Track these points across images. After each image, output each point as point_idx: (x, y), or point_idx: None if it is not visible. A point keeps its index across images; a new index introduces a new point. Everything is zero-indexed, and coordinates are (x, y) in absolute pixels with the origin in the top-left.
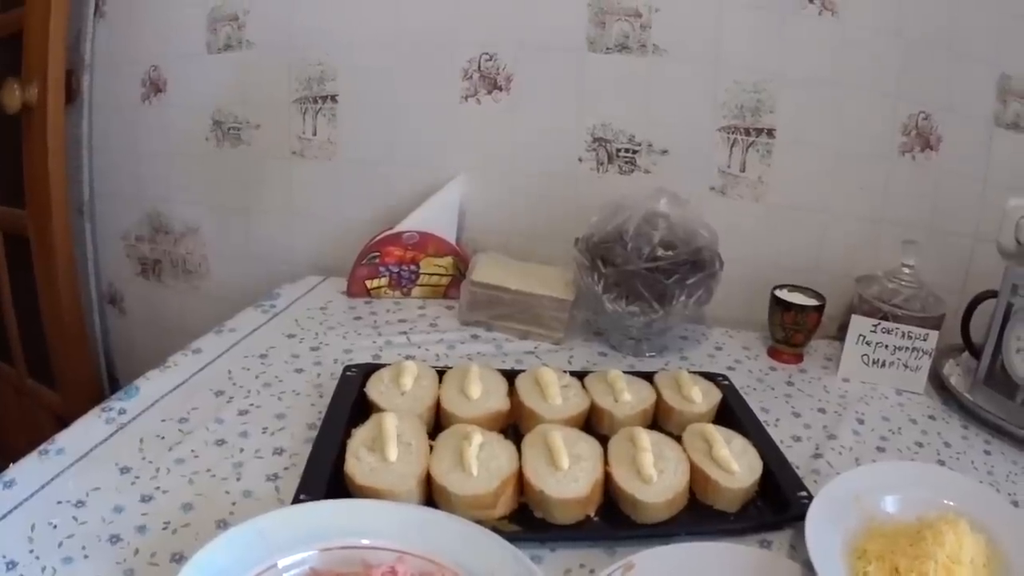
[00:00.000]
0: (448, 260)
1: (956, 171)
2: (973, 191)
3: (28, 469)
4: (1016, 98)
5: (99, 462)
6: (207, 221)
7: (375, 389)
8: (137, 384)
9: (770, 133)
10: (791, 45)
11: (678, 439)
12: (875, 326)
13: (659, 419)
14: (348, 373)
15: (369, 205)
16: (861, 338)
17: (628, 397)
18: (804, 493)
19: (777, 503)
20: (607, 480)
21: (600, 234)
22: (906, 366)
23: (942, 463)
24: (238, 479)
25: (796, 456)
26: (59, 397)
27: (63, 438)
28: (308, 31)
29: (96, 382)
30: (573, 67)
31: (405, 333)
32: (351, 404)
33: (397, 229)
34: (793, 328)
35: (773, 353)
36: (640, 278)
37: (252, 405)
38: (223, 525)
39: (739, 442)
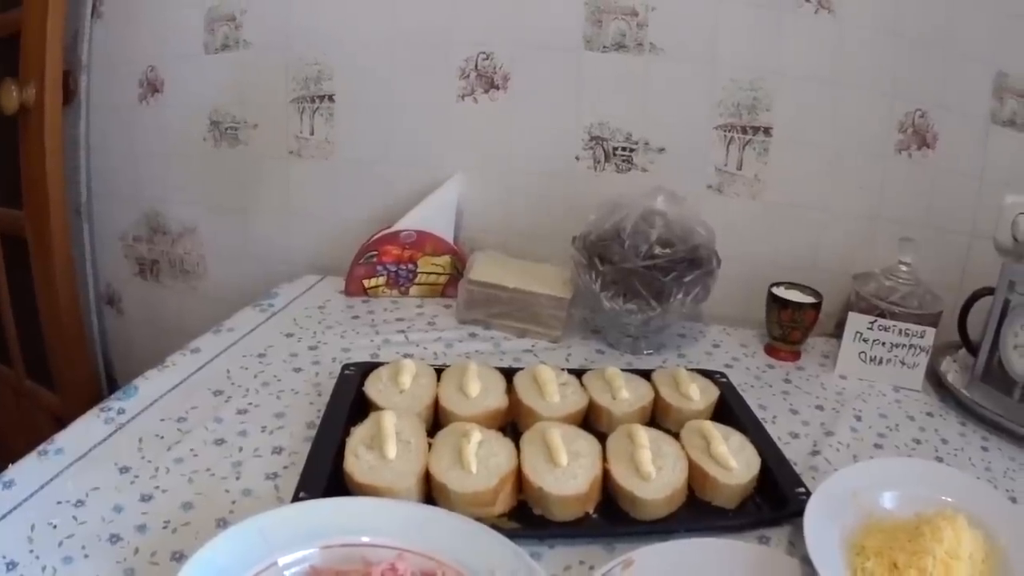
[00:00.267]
0: (446, 259)
1: (953, 169)
2: (970, 188)
3: (27, 469)
4: (1012, 96)
5: (98, 462)
6: (205, 221)
7: (374, 387)
8: (136, 384)
9: (767, 131)
10: (788, 43)
11: (676, 436)
12: (872, 323)
13: (657, 416)
14: (346, 372)
15: (366, 204)
16: (858, 335)
17: (626, 394)
18: (802, 489)
19: (775, 500)
20: (606, 477)
21: (597, 232)
22: (903, 363)
23: (940, 460)
24: (237, 478)
25: (794, 453)
26: (58, 398)
27: (62, 438)
28: (305, 31)
29: (94, 383)
30: (570, 66)
31: (403, 332)
32: (350, 403)
33: (395, 228)
34: (790, 325)
35: (770, 350)
36: (638, 276)
37: (251, 404)
38: (223, 524)
39: (737, 439)
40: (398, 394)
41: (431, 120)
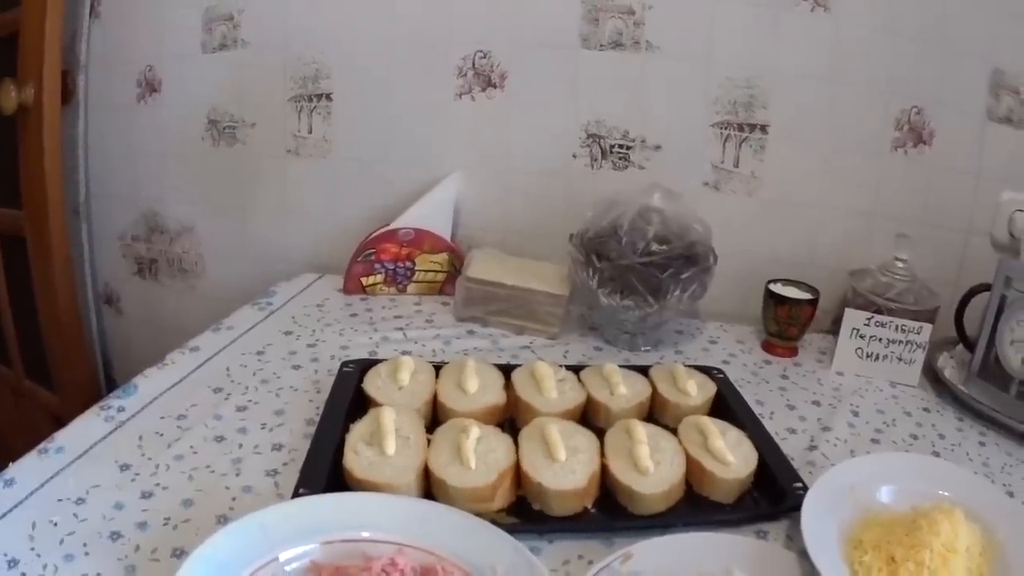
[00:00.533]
0: (443, 257)
1: (949, 165)
2: (966, 185)
3: (28, 468)
4: (1009, 92)
5: (99, 460)
6: (203, 220)
7: (372, 384)
8: (135, 382)
9: (763, 129)
10: (784, 41)
11: (674, 432)
12: (869, 319)
13: (655, 412)
14: (345, 369)
15: (364, 203)
16: (855, 331)
17: (624, 390)
18: (800, 484)
19: (773, 494)
20: (604, 472)
21: (595, 229)
22: (900, 359)
23: (937, 455)
24: (237, 475)
25: (791, 448)
26: (57, 398)
27: (62, 436)
28: (303, 30)
29: (94, 382)
30: (567, 64)
31: (401, 329)
32: (349, 399)
33: (392, 226)
34: (787, 322)
35: (767, 347)
36: (635, 272)
37: (250, 402)
38: (223, 520)
39: (734, 434)
40: (397, 391)
41: (429, 119)
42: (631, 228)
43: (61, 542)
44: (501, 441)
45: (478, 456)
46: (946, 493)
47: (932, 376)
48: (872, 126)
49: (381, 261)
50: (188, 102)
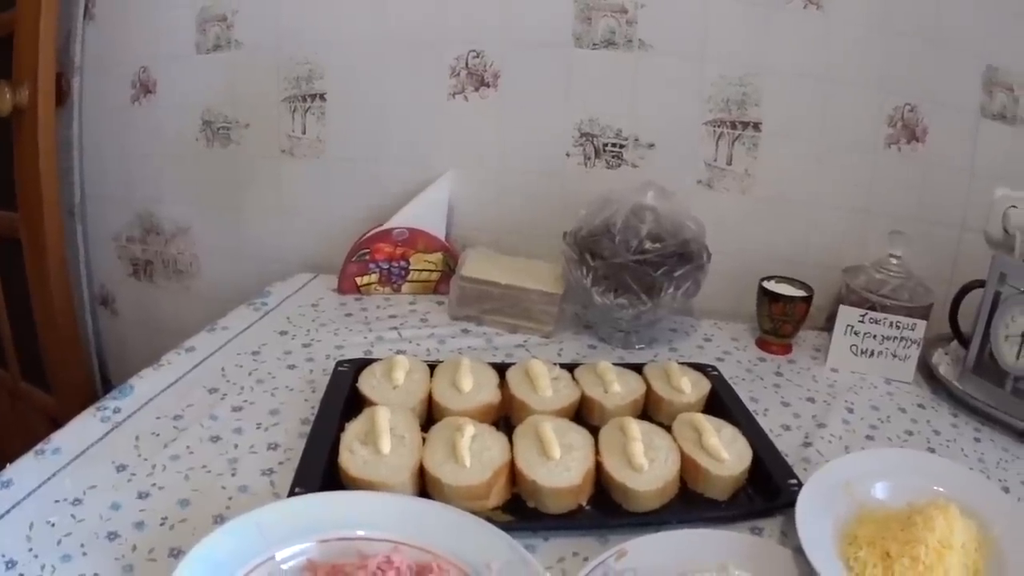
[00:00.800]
0: (438, 256)
1: (943, 162)
2: (960, 182)
3: (25, 469)
4: (1002, 89)
5: (95, 460)
6: (198, 221)
7: (367, 383)
8: (131, 383)
9: (756, 126)
10: (777, 39)
11: (668, 429)
12: (863, 316)
13: (649, 410)
14: (340, 368)
15: (358, 202)
16: (849, 328)
17: (618, 388)
18: (794, 481)
19: (768, 491)
20: (598, 470)
21: (588, 228)
22: (895, 355)
23: (932, 451)
24: (233, 474)
25: (786, 445)
26: (53, 399)
27: (59, 438)
28: (296, 30)
29: (89, 384)
30: (560, 63)
31: (396, 328)
32: (344, 399)
33: (387, 226)
34: (781, 319)
35: (762, 344)
36: (628, 271)
37: (246, 401)
38: (220, 520)
39: (729, 431)
40: (392, 390)
41: (422, 118)
42: (624, 226)
43: (59, 543)
44: (496, 439)
45: (473, 454)
46: (941, 489)
47: (927, 372)
48: (865, 123)
49: (376, 261)
50: (182, 103)
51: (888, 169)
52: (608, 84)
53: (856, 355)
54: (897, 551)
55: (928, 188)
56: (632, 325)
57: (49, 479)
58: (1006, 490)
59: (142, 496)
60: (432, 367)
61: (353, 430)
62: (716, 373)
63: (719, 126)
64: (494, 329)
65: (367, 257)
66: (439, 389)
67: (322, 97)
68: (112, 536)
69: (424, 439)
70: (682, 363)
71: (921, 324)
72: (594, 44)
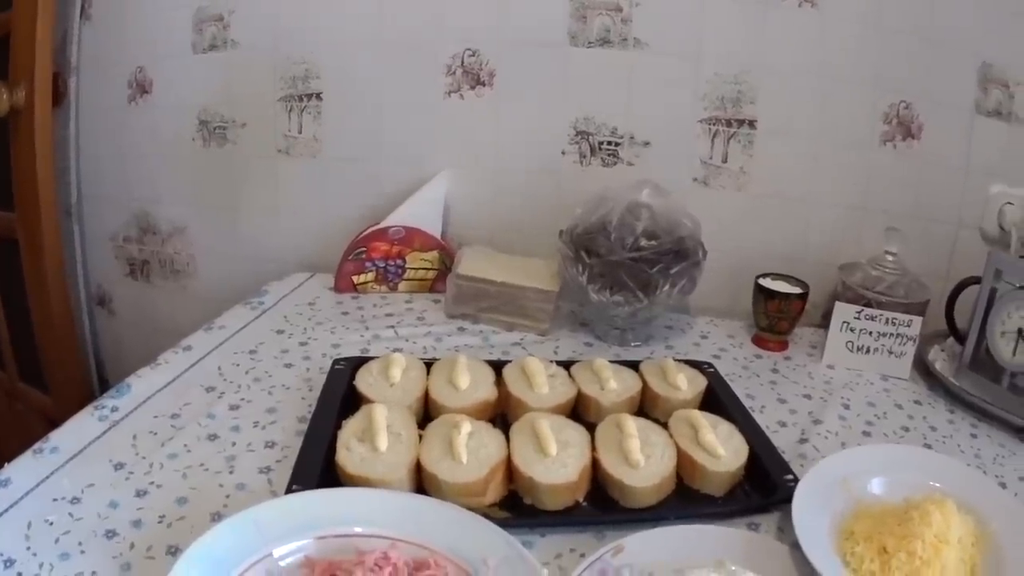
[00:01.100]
0: (434, 254)
1: (938, 159)
2: (955, 179)
3: (23, 468)
4: (997, 86)
5: (93, 459)
6: (194, 221)
7: (364, 381)
8: (129, 382)
9: (751, 124)
10: (772, 37)
11: (664, 426)
12: (859, 313)
13: (645, 407)
14: (337, 366)
15: (355, 201)
16: (845, 325)
17: (614, 385)
18: (791, 476)
19: (764, 487)
20: (595, 466)
21: (584, 225)
22: (891, 352)
23: (929, 447)
24: (231, 472)
25: (782, 441)
26: (50, 399)
27: (57, 436)
28: (292, 30)
29: (87, 384)
30: (555, 61)
31: (392, 327)
32: (341, 397)
33: (383, 224)
34: (777, 316)
35: (758, 341)
36: (624, 268)
37: (243, 400)
38: (217, 518)
39: (725, 427)
40: (388, 387)
41: (418, 117)
42: (620, 224)
43: (57, 541)
44: (492, 436)
45: (470, 451)
46: (938, 484)
47: (923, 369)
48: (861, 121)
49: (372, 259)
50: (179, 103)
51: (884, 166)
52: (603, 82)
53: (852, 352)
54: (894, 546)
55: (924, 185)
56: (628, 322)
57: (47, 478)
58: (1003, 486)
59: (140, 494)
60: (429, 365)
61: (350, 428)
62: (712, 370)
63: (714, 124)
64: (490, 327)
65: (363, 256)
66: (436, 387)
67: (318, 96)
68: (110, 534)
69: (421, 436)
70: (678, 360)
71: (917, 320)
72: (589, 42)
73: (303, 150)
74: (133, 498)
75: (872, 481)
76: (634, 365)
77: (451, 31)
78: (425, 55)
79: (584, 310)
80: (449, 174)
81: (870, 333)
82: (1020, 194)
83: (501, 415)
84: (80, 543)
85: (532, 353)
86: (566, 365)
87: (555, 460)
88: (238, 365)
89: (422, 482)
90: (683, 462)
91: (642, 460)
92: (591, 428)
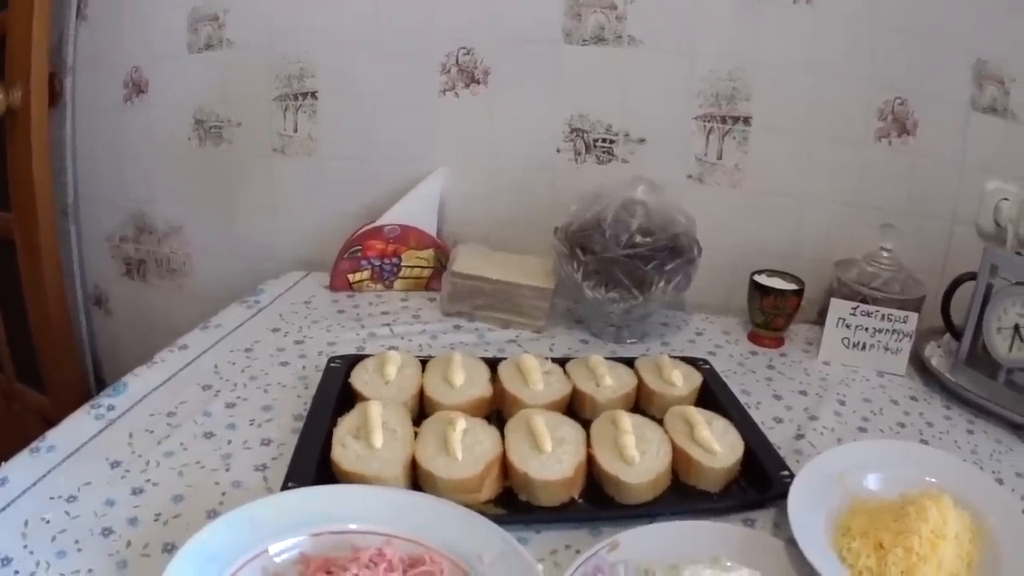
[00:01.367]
0: (429, 252)
1: (933, 155)
2: (951, 175)
3: (20, 466)
4: (992, 82)
5: (90, 457)
6: (190, 220)
7: (359, 379)
8: (125, 380)
9: (746, 121)
10: (766, 33)
11: (660, 422)
12: (854, 309)
13: (641, 403)
14: (332, 364)
15: (350, 200)
16: (841, 321)
17: (610, 381)
18: (786, 472)
19: (760, 483)
20: (590, 463)
21: (579, 223)
22: (887, 348)
23: (925, 443)
24: (227, 470)
25: (778, 437)
26: (47, 400)
27: (53, 435)
28: (287, 29)
29: (84, 384)
30: (550, 59)
31: (388, 325)
32: (336, 394)
33: (378, 223)
34: (773, 312)
35: (754, 337)
36: (619, 265)
37: (239, 398)
38: (213, 515)
39: (720, 423)
40: (384, 385)
41: (413, 115)
42: (615, 221)
43: (53, 539)
44: (487, 433)
45: (465, 448)
46: (934, 480)
47: (919, 365)
48: (856, 117)
49: (367, 257)
50: (174, 103)
51: (879, 162)
52: (598, 80)
53: (848, 348)
54: (890, 541)
55: (919, 181)
56: (623, 319)
57: (44, 476)
58: (1000, 481)
59: (136, 492)
60: (424, 362)
61: (345, 425)
62: (708, 367)
63: (709, 121)
64: (486, 325)
65: (359, 254)
66: (431, 384)
67: (313, 95)
68: (106, 532)
69: (416, 433)
70: (674, 357)
71: (913, 317)
72: (584, 40)
73: (298, 149)
74: (129, 496)
75: (868, 477)
76: (629, 362)
77: (445, 30)
78: (420, 53)
79: (579, 307)
80: (444, 172)
81: (866, 329)
82: (1016, 190)
83: (496, 412)
84: (77, 541)
85: (528, 350)
86: (561, 362)
87: (550, 456)
88: (234, 363)
89: (417, 479)
90: (679, 458)
91: (637, 456)
92: (586, 425)
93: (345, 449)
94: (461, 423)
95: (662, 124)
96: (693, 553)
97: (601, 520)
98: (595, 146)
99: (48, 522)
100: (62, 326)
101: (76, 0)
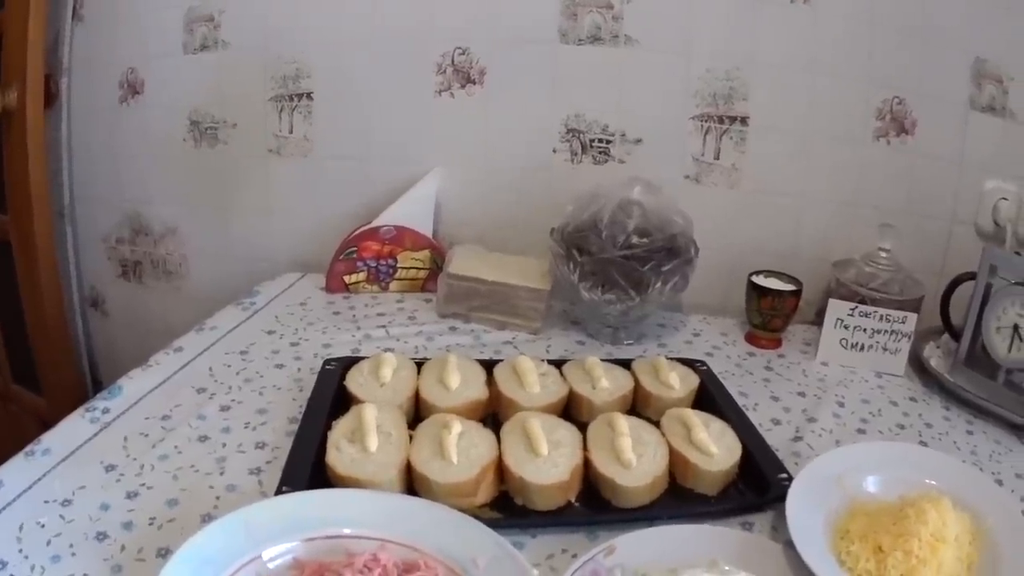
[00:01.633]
0: (425, 253)
1: (932, 155)
2: (949, 174)
3: (15, 470)
4: (991, 81)
5: (84, 461)
6: (186, 221)
7: (354, 381)
8: (120, 383)
9: (743, 120)
10: (763, 32)
11: (657, 424)
12: (853, 310)
13: (637, 405)
14: (328, 367)
15: (346, 201)
16: (839, 322)
17: (606, 384)
18: (785, 475)
19: (758, 485)
20: (587, 466)
21: (575, 223)
22: (885, 349)
23: (924, 444)
24: (221, 473)
25: (776, 439)
26: (44, 401)
27: (49, 438)
28: (283, 29)
29: (80, 386)
30: (546, 59)
31: (384, 327)
32: (331, 397)
33: (374, 224)
34: (771, 313)
35: (751, 338)
36: (616, 266)
37: (234, 401)
38: (208, 519)
39: (718, 425)
40: (379, 387)
41: (409, 116)
42: (611, 222)
43: (48, 543)
44: (483, 436)
45: (460, 451)
46: (934, 482)
47: (918, 366)
48: (854, 116)
49: (363, 259)
50: (170, 103)
51: (877, 162)
52: (594, 80)
53: (846, 349)
54: (890, 545)
55: (917, 181)
56: (620, 321)
57: (39, 480)
58: (999, 483)
59: (131, 496)
60: (419, 364)
61: (340, 428)
62: (705, 368)
63: (706, 121)
64: (482, 326)
65: (355, 255)
66: (426, 386)
67: (308, 96)
68: (101, 536)
69: (411, 436)
70: (671, 358)
71: (912, 317)
72: (580, 40)
73: (294, 150)
74: (124, 500)
75: (867, 479)
76: (626, 363)
77: (441, 30)
78: (415, 54)
79: (576, 309)
80: (440, 173)
81: (864, 330)
82: (1015, 189)
83: (492, 415)
84: (71, 545)
85: (524, 352)
86: (558, 364)
87: (546, 460)
88: (229, 366)
89: (412, 482)
90: (676, 461)
91: (634, 459)
92: (583, 427)
93: (340, 453)
94: (456, 426)
95: (659, 124)
96: (690, 557)
97: (598, 524)
98: (591, 146)
99: (43, 526)
100: (58, 328)
101: (72, 1)
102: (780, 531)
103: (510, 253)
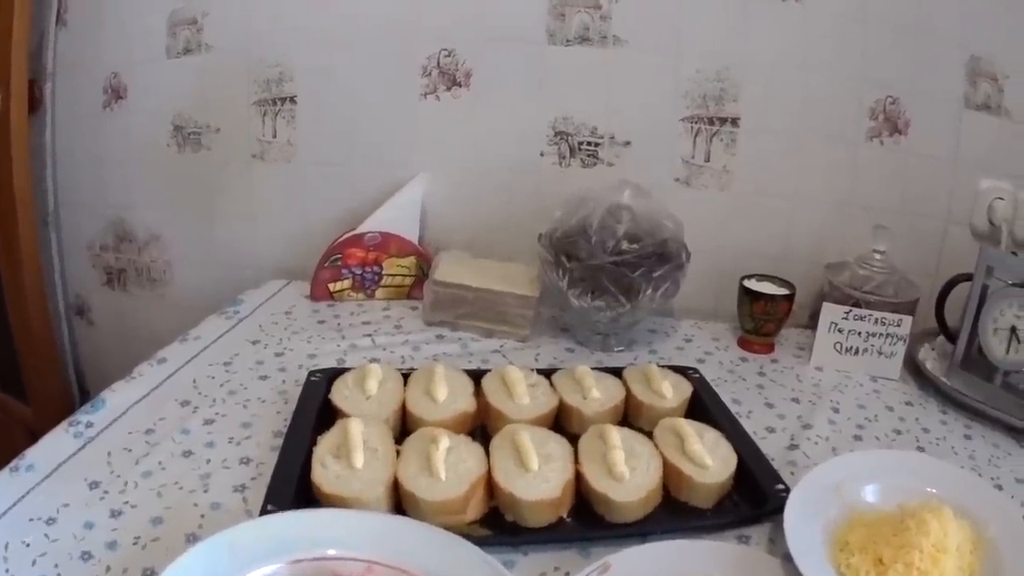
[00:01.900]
0: (411, 260)
1: (926, 154)
2: (944, 174)
3: (0, 487)
4: (986, 79)
5: (68, 477)
6: (170, 227)
7: (339, 394)
8: (103, 396)
9: (734, 122)
10: (754, 32)
11: (649, 435)
12: (847, 313)
13: (629, 415)
14: (312, 378)
15: (331, 206)
16: (833, 326)
17: (597, 394)
18: (781, 486)
19: (754, 497)
20: (578, 480)
21: (564, 229)
22: (880, 352)
23: (921, 450)
24: (206, 491)
25: (771, 448)
26: (30, 411)
27: (32, 454)
28: (266, 32)
29: (67, 395)
30: (533, 60)
31: (370, 335)
32: (316, 410)
33: (359, 230)
34: (763, 318)
35: (744, 344)
36: (605, 272)
37: (218, 414)
38: (192, 539)
39: (712, 436)
40: (364, 400)
41: (393, 119)
42: (601, 227)
43: (33, 563)
44: (472, 451)
45: (448, 467)
46: (933, 490)
47: (914, 369)
48: (846, 116)
49: (348, 266)
50: (153, 108)
51: (870, 163)
52: (583, 81)
53: (841, 353)
54: (891, 557)
55: (912, 181)
56: (610, 327)
57: (23, 497)
58: (999, 488)
59: (115, 515)
60: (406, 376)
61: (325, 444)
62: (697, 375)
63: (696, 122)
64: (469, 334)
65: (339, 263)
66: (413, 399)
67: (292, 100)
68: (86, 556)
69: (398, 452)
70: (662, 366)
71: (907, 320)
72: (568, 41)
73: (278, 155)
74: (108, 519)
75: (865, 488)
76: (617, 372)
77: (426, 30)
78: (400, 56)
79: (565, 315)
80: (426, 177)
81: (859, 334)
82: (1010, 188)
83: (481, 427)
84: (56, 565)
85: (512, 360)
86: (547, 373)
87: (537, 475)
88: (213, 378)
89: (400, 500)
90: (669, 473)
91: (627, 473)
92: (574, 439)
93: (325, 470)
94: (444, 441)
95: (648, 126)
96: (687, 573)
97: (591, 540)
98: (580, 149)
99: (28, 545)
100: (44, 336)
101: (56, 5)
102: (778, 544)
103: (498, 259)
